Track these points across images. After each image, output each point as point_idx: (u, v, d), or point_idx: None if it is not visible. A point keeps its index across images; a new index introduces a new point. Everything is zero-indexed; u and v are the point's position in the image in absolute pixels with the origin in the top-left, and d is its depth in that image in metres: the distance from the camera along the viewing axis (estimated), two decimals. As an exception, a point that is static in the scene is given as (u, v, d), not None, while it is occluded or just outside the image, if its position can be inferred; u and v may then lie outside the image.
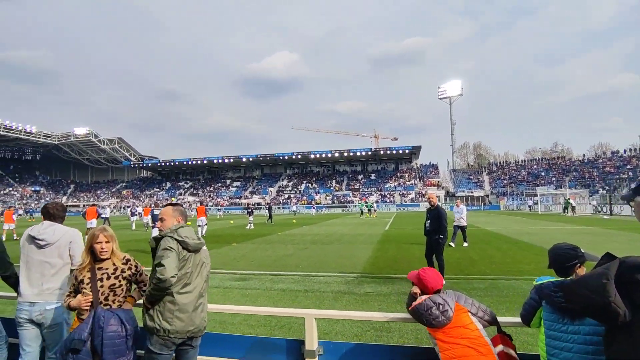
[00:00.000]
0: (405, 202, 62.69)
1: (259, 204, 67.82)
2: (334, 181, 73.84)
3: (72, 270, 3.08)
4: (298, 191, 71.96)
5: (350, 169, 78.08)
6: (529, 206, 47.88)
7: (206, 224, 18.82)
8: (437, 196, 52.46)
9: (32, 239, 3.05)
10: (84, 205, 68.66)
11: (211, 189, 77.23)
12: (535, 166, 66.95)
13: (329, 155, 70.78)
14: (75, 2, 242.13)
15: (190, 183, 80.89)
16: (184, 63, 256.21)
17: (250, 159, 74.39)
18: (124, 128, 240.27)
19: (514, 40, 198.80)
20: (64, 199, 78.14)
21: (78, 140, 75.70)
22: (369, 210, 36.70)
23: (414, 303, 2.34)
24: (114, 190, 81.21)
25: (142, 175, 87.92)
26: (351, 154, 70.36)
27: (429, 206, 8.07)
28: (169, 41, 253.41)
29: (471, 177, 68.49)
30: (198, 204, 21.91)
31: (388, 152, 68.98)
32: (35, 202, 72.59)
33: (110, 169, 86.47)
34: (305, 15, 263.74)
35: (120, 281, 2.71)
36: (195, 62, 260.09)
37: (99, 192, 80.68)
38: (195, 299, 2.59)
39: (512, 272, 8.28)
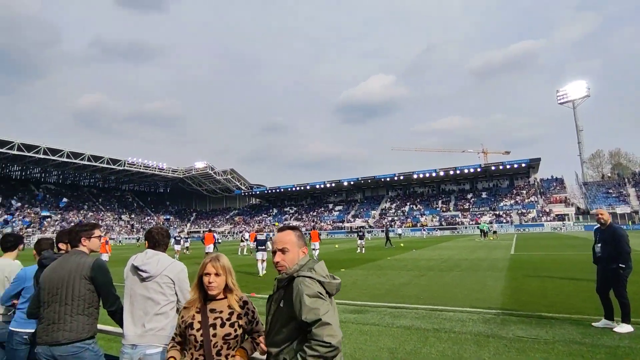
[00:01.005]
0: (526, 221, 55.52)
1: (362, 227, 67.04)
2: (440, 201, 69.47)
3: (178, 309, 2.60)
4: (402, 213, 69.30)
5: (458, 188, 72.77)
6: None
7: (318, 249, 18.67)
8: (563, 215, 45.26)
9: (135, 270, 2.64)
10: (202, 231, 76.07)
11: (314, 213, 79.02)
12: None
13: (434, 174, 67.03)
14: (195, 58, 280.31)
15: (295, 208, 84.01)
16: (284, 96, 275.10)
17: (352, 183, 74.49)
18: (235, 160, 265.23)
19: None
20: (188, 225, 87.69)
21: (198, 173, 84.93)
22: (489, 232, 32.80)
23: None
24: (227, 217, 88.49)
25: (251, 202, 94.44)
26: (458, 171, 65.60)
27: (599, 225, 6.16)
28: (270, 78, 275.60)
29: (610, 191, 57.95)
30: (311, 229, 21.77)
31: (501, 167, 62.58)
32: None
33: (224, 197, 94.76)
34: (398, 36, 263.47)
35: (236, 330, 2.07)
36: (295, 94, 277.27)
37: (215, 219, 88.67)
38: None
39: None
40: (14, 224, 58.97)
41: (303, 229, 69.75)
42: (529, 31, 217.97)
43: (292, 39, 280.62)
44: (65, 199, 70.92)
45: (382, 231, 62.02)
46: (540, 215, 55.96)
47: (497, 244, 25.24)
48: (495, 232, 31.83)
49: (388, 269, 13.40)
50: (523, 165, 61.11)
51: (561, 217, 53.70)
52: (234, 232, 74.90)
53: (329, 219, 75.20)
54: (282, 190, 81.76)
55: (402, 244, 28.63)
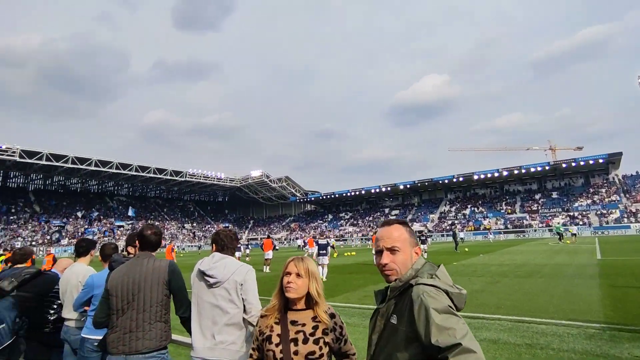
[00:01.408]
0: (607, 223, 50.06)
1: (421, 231, 64.60)
2: (504, 203, 65.04)
3: (244, 320, 2.37)
4: (463, 216, 65.81)
5: (524, 188, 67.74)
6: None
7: None
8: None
9: (202, 275, 2.43)
10: (260, 238, 77.81)
11: (370, 218, 77.67)
12: None
13: (496, 174, 62.90)
14: (248, 71, 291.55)
15: (350, 213, 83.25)
16: (336, 103, 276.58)
17: (408, 186, 72.28)
18: (289, 168, 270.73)
19: None
20: (246, 232, 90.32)
21: (254, 181, 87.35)
22: (563, 235, 29.64)
23: None
24: (283, 224, 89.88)
25: (306, 209, 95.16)
26: (523, 170, 60.97)
27: None
28: (321, 86, 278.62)
29: None
30: (373, 234, 20.99)
31: (574, 164, 57.17)
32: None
33: (280, 204, 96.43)
34: (450, 34, 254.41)
35: (321, 348, 1.70)
36: (346, 100, 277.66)
37: (271, 226, 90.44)
38: None
39: None
40: (93, 233, 64.39)
41: (359, 234, 68.84)
42: (596, 16, 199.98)
43: (341, 47, 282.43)
44: (132, 209, 76.25)
45: (444, 236, 59.29)
46: (625, 215, 50.14)
47: (576, 248, 22.65)
48: (574, 234, 28.60)
49: (456, 275, 12.28)
50: (600, 161, 55.28)
51: (652, 218, 47.69)
52: (290, 239, 75.73)
53: (385, 224, 73.38)
54: (336, 195, 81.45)
55: (466, 249, 26.77)
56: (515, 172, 61.94)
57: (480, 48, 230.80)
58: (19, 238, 55.25)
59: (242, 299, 2.41)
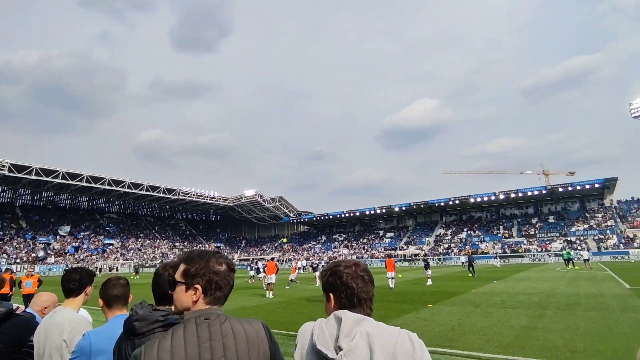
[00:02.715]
0: (606, 248, 49.80)
1: (416, 255, 63.63)
2: (501, 227, 64.63)
3: None
4: (459, 240, 65.12)
5: (520, 212, 67.59)
6: None
7: (393, 278, 17.37)
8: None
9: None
10: (252, 259, 76.10)
11: (365, 240, 76.57)
12: None
13: (492, 197, 62.74)
14: (243, 92, 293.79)
15: (344, 235, 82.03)
16: (329, 125, 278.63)
17: (403, 208, 71.62)
18: (283, 188, 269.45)
19: None
20: (238, 253, 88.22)
21: (247, 201, 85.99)
22: (572, 260, 28.98)
23: None
24: (276, 244, 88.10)
25: (299, 229, 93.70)
26: (520, 194, 60.93)
27: None
28: (315, 107, 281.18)
29: None
30: (386, 257, 20.09)
31: (570, 188, 57.31)
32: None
33: (273, 225, 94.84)
34: (442, 59, 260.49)
35: None
36: (339, 122, 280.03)
37: (264, 246, 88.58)
38: None
39: None
40: (80, 251, 61.97)
41: (353, 256, 67.44)
42: (583, 46, 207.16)
43: (336, 69, 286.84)
44: (113, 226, 73.98)
45: (441, 260, 58.21)
46: (623, 241, 49.96)
47: (592, 275, 21.94)
48: (586, 260, 27.84)
49: (486, 306, 11.37)
50: (597, 185, 55.51)
51: (649, 244, 47.55)
52: (283, 260, 73.83)
53: (380, 246, 72.35)
54: (330, 217, 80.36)
55: (469, 274, 25.81)
56: (512, 195, 61.88)
57: (471, 74, 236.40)
58: (4, 255, 52.84)
59: None
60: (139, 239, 75.81)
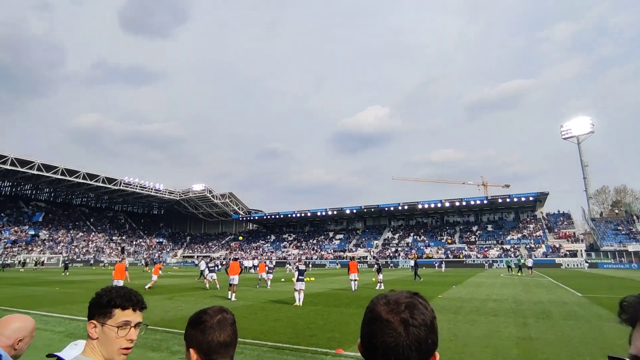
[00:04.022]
0: (537, 257, 54.04)
1: (365, 257, 64.73)
2: (445, 233, 67.81)
3: None
4: (406, 244, 67.33)
5: (462, 220, 71.43)
6: None
7: (357, 279, 17.21)
8: (574, 251, 44.02)
9: None
10: (197, 256, 72.76)
11: (314, 241, 76.56)
12: None
13: (439, 205, 65.70)
14: (195, 82, 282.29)
15: (294, 235, 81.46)
16: (282, 123, 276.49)
17: (354, 211, 72.67)
18: (232, 185, 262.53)
19: None
20: (182, 249, 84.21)
21: (195, 195, 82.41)
22: (519, 267, 30.96)
23: None
24: (223, 242, 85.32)
25: (248, 227, 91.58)
26: (464, 203, 64.41)
27: None
28: (269, 105, 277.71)
29: (619, 228, 57.12)
30: (350, 259, 19.84)
31: (508, 199, 61.63)
32: (159, 252, 79.29)
33: (220, 222, 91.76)
34: (397, 69, 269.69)
35: None
36: (293, 121, 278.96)
37: (210, 244, 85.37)
38: None
39: None
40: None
41: (302, 256, 67.01)
42: (521, 70, 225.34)
43: (292, 68, 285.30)
44: (39, 213, 67.28)
45: (388, 263, 59.71)
46: (552, 250, 54.60)
47: (538, 282, 23.46)
48: (530, 267, 29.86)
49: (465, 313, 11.47)
50: (530, 198, 60.27)
51: (573, 253, 52.40)
52: (230, 258, 71.54)
53: (330, 247, 72.77)
54: (281, 216, 79.41)
55: (420, 279, 26.44)
56: (457, 204, 65.22)
57: (420, 86, 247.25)
58: None
59: None
60: (71, 231, 69.48)
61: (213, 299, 15.95)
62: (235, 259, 19.06)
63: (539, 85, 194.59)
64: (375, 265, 22.40)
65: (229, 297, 15.78)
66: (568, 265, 49.68)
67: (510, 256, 55.71)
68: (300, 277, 13.82)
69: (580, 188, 69.05)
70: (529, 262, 30.41)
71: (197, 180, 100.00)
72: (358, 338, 0.91)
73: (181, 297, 16.05)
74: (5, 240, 56.62)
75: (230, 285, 16.47)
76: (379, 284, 20.50)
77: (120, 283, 16.28)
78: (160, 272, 22.01)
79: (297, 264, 15.65)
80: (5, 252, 53.44)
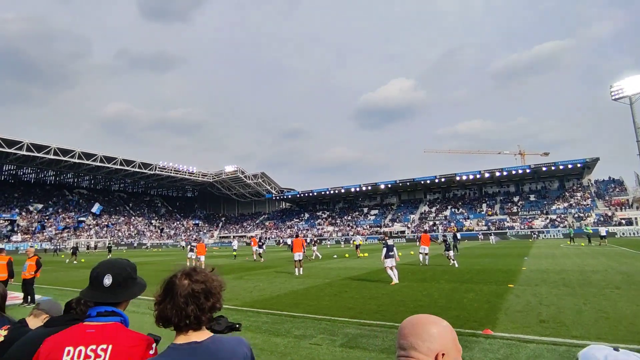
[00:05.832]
0: (586, 226, 51.44)
1: (402, 232, 63.78)
2: (484, 205, 65.70)
3: None
4: (444, 217, 65.77)
5: (502, 190, 68.93)
6: None
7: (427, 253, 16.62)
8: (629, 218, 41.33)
9: None
10: (233, 237, 73.58)
11: (349, 217, 76.09)
12: None
13: (478, 176, 63.39)
14: (217, 66, 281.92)
15: (328, 212, 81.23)
16: (304, 102, 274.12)
17: (389, 186, 71.33)
18: (257, 165, 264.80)
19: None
20: (217, 230, 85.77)
21: (228, 177, 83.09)
22: (588, 237, 29.11)
23: None
24: (257, 222, 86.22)
25: (281, 206, 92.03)
26: (505, 173, 61.81)
27: None
28: (291, 84, 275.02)
29: (679, 193, 53.44)
30: (423, 232, 18.97)
31: (553, 167, 58.59)
32: (196, 233, 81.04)
33: (253, 202, 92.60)
34: (420, 39, 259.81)
35: None
36: (314, 99, 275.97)
37: (244, 224, 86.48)
38: None
39: None
40: (50, 228, 57.72)
41: (338, 233, 66.58)
42: (554, 32, 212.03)
43: (312, 46, 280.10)
44: (98, 205, 69.45)
45: (451, 239, 57.94)
46: (602, 219, 51.86)
47: (619, 252, 21.85)
48: (604, 236, 28.02)
49: (567, 287, 10.37)
50: (579, 165, 57.06)
51: (628, 221, 49.58)
52: (267, 238, 72.23)
53: (365, 223, 72.14)
54: (314, 193, 79.13)
55: (458, 252, 25.23)
56: (497, 174, 62.71)
57: (446, 55, 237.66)
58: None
59: None
60: (112, 217, 71.72)
61: (280, 275, 15.71)
62: (297, 236, 18.65)
63: (574, 46, 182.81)
64: (445, 243, 18.56)
65: (297, 273, 15.78)
66: (624, 234, 47.00)
67: (558, 226, 53.54)
68: (390, 254, 12.86)
69: (632, 152, 64.80)
70: (602, 231, 28.50)
71: (224, 163, 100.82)
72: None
73: (250, 277, 15.68)
74: (57, 227, 58.98)
75: (295, 261, 16.35)
76: (452, 260, 17.16)
77: (202, 258, 19.80)
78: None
79: (385, 239, 14.54)
80: (56, 238, 55.70)
